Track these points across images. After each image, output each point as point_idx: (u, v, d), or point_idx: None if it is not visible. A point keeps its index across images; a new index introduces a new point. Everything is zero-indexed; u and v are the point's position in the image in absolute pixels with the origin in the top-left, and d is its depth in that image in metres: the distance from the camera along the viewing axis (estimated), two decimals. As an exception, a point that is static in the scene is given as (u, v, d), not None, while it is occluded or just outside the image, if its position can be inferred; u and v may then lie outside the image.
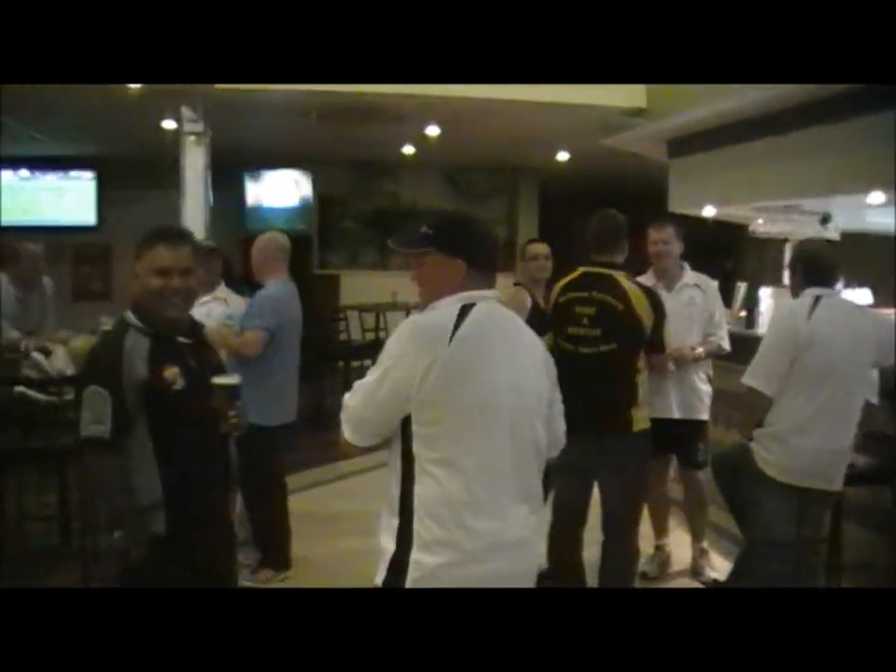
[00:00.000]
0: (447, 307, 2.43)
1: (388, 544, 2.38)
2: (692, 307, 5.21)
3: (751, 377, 3.99)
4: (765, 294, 7.01)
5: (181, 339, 3.05)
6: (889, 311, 6.73)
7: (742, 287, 7.12)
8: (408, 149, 11.00)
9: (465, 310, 2.40)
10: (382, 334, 10.87)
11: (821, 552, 4.33)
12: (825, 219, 7.21)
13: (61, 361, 5.26)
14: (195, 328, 3.20)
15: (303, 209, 13.21)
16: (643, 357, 4.23)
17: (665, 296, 5.00)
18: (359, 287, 12.59)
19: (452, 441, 2.33)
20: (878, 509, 4.61)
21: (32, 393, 5.16)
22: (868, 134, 5.57)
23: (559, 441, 2.70)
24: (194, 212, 6.59)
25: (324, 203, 13.44)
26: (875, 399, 4.14)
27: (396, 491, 2.38)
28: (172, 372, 2.93)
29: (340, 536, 5.43)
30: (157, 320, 2.96)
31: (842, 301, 4.16)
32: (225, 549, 3.27)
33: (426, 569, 2.30)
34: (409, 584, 2.31)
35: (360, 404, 2.43)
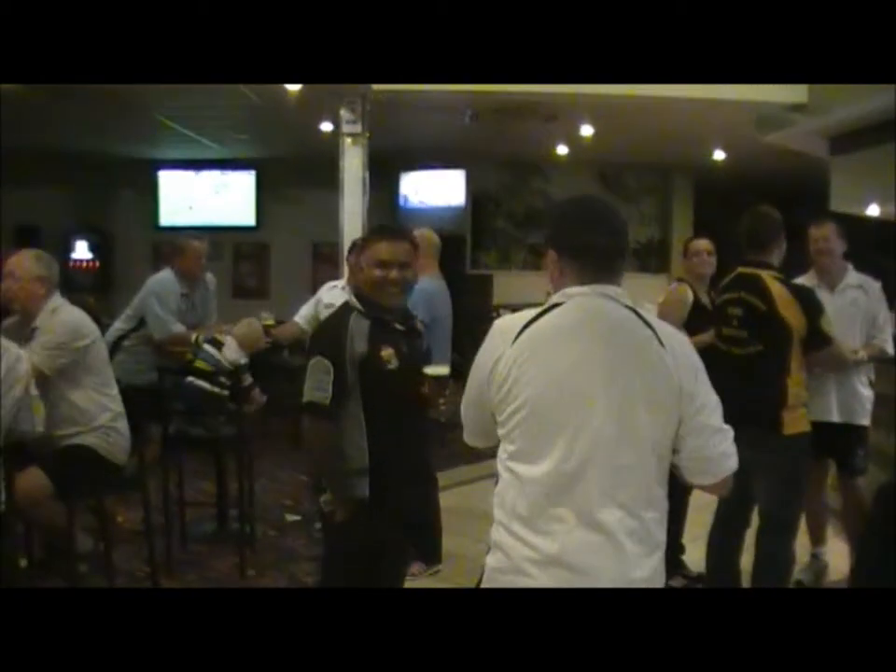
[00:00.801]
0: (536, 308, 2.27)
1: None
2: (854, 308, 5.07)
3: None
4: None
5: (397, 325, 3.37)
6: None
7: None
8: (561, 149, 10.96)
9: (551, 309, 2.24)
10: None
11: None
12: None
13: (232, 352, 5.45)
14: (408, 317, 3.51)
15: (457, 209, 13.32)
16: (798, 359, 4.13)
17: (826, 296, 4.87)
18: (512, 286, 12.61)
19: (512, 444, 2.21)
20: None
21: (202, 383, 5.37)
22: None
23: (705, 461, 2.28)
24: (352, 212, 6.75)
25: (477, 202, 13.52)
26: None
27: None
28: (388, 353, 3.25)
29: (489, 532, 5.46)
30: (376, 306, 3.28)
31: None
32: (421, 525, 3.60)
33: (486, 570, 2.28)
34: (482, 584, 2.30)
35: (462, 404, 2.43)
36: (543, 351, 2.18)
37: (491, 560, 2.26)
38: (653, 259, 13.81)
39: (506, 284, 12.95)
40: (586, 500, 2.12)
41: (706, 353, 4.31)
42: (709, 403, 2.24)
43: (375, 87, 6.30)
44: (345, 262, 6.10)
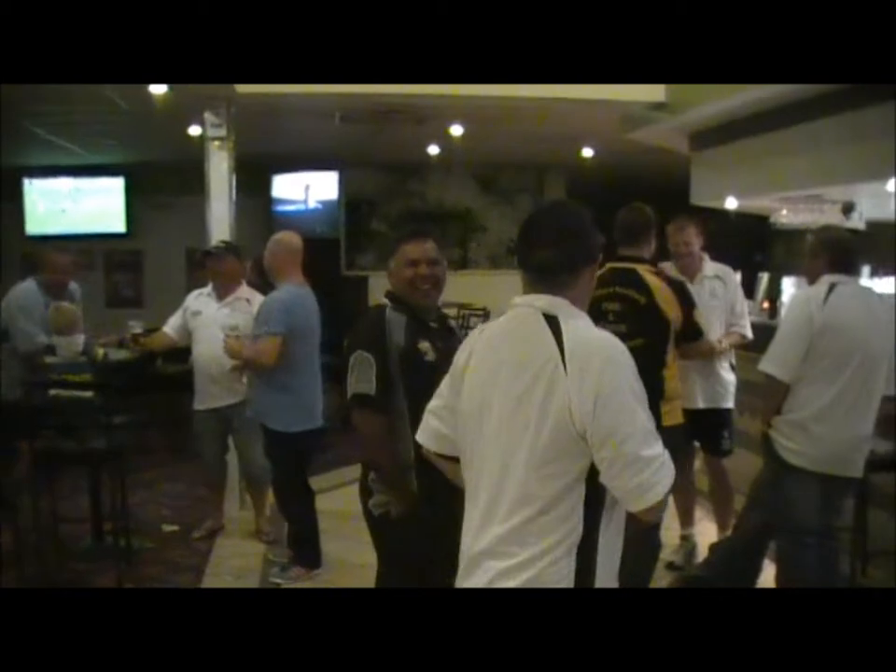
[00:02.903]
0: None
1: None
2: (714, 299, 5.25)
3: (768, 364, 4.01)
4: (788, 284, 7.03)
5: (431, 323, 3.47)
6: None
7: (764, 278, 7.14)
8: (433, 150, 11.04)
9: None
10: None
11: (845, 539, 4.35)
12: (848, 209, 7.22)
13: (64, 345, 5.38)
14: (441, 316, 3.63)
15: (331, 211, 13.29)
16: (672, 351, 4.25)
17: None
18: (388, 287, 12.60)
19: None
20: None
21: (71, 393, 5.25)
22: (887, 122, 5.58)
23: (625, 493, 2.14)
24: (219, 216, 6.68)
25: (351, 204, 13.51)
26: (892, 390, 4.15)
27: None
28: (424, 346, 3.33)
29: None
30: (410, 302, 3.39)
31: (858, 289, 4.16)
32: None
33: None
34: None
35: (438, 410, 2.46)
36: (475, 362, 2.28)
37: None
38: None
39: (382, 285, 12.91)
40: (502, 501, 2.17)
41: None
42: (619, 432, 2.08)
43: (240, 90, 6.25)
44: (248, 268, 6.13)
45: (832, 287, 3.95)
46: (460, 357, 2.33)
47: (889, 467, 4.53)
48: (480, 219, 14.07)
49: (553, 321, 2.16)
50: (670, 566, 5.31)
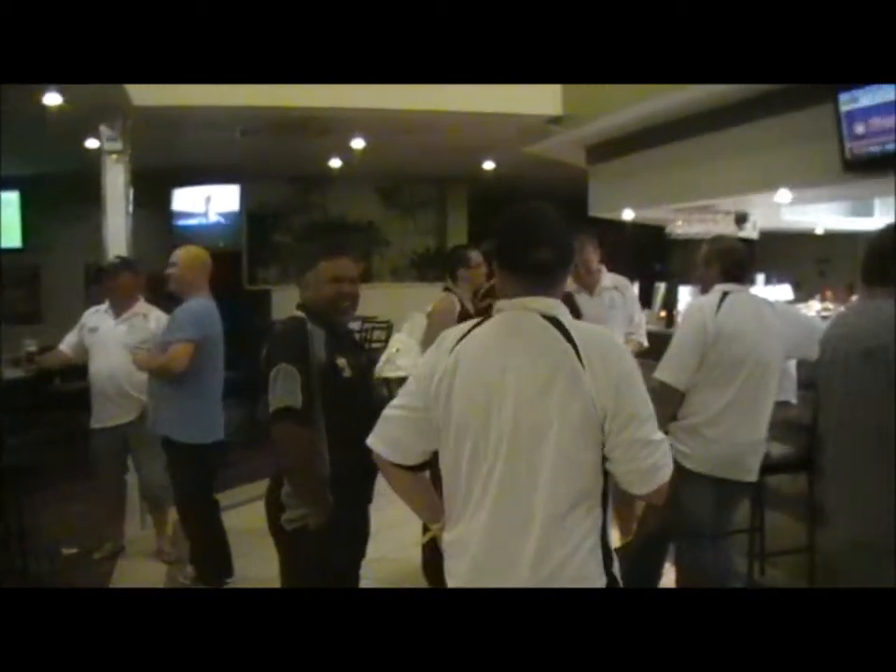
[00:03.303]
0: (471, 321, 2.31)
1: None
2: (613, 309, 5.34)
3: (662, 371, 4.08)
4: (685, 293, 7.19)
5: (346, 338, 3.54)
6: (813, 304, 6.97)
7: (661, 288, 7.28)
8: (335, 162, 11.03)
9: (481, 322, 2.28)
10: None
11: (743, 540, 4.46)
12: (741, 219, 7.42)
13: None
14: (349, 331, 3.68)
15: (232, 224, 13.17)
16: None
17: (586, 299, 5.15)
18: (292, 301, 12.49)
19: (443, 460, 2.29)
20: (799, 497, 4.76)
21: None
22: (774, 135, 5.79)
23: (640, 473, 2.18)
24: (116, 230, 6.57)
25: (253, 217, 13.41)
26: (793, 396, 4.25)
27: None
28: (342, 361, 3.32)
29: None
30: (328, 318, 3.38)
31: (749, 297, 4.26)
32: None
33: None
34: None
35: (397, 417, 2.35)
36: (465, 367, 2.20)
37: None
38: (431, 269, 14.07)
39: (286, 299, 12.84)
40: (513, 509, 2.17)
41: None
42: (638, 416, 2.14)
43: (135, 102, 6.17)
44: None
45: (724, 296, 4.04)
46: (437, 364, 2.24)
47: (785, 469, 4.66)
48: (383, 232, 14.11)
49: (553, 320, 2.20)
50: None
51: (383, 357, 4.94)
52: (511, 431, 2.14)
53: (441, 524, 2.36)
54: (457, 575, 2.28)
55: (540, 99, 7.19)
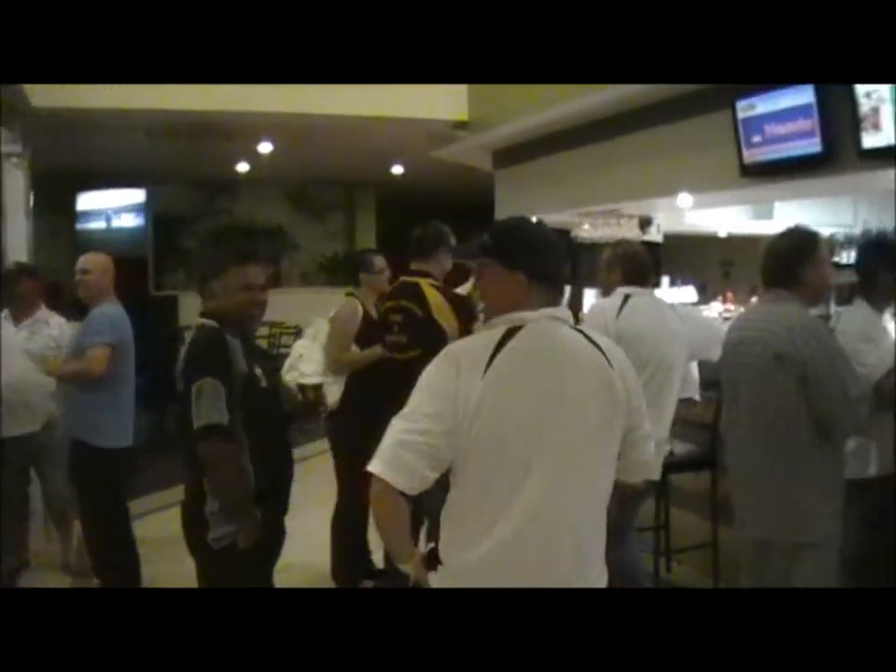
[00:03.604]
0: (490, 331, 2.23)
1: None
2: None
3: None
4: (590, 296, 7.29)
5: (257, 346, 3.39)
6: (714, 306, 7.14)
7: (567, 290, 7.37)
8: (243, 167, 10.95)
9: (509, 335, 2.19)
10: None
11: (648, 537, 4.54)
12: (645, 223, 7.56)
13: None
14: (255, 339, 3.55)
15: (138, 230, 12.97)
16: None
17: None
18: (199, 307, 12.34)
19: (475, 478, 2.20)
20: (702, 494, 4.86)
21: None
22: (675, 141, 5.93)
23: (644, 465, 2.39)
24: (15, 235, 6.43)
25: (160, 222, 13.23)
26: (696, 393, 4.33)
27: None
28: (258, 371, 3.22)
29: (187, 558, 5.36)
30: (241, 326, 3.26)
31: (651, 300, 4.33)
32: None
33: None
34: None
35: (393, 437, 2.22)
36: (510, 380, 2.15)
37: None
38: (341, 273, 14.03)
39: (194, 304, 12.65)
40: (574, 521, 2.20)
41: (380, 363, 4.50)
42: (644, 411, 2.32)
43: (35, 104, 6.05)
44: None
45: (626, 299, 4.11)
46: (464, 384, 2.18)
47: (688, 467, 4.76)
48: (291, 237, 14.04)
49: (576, 329, 2.25)
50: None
51: (287, 363, 4.91)
52: (570, 437, 2.15)
53: (415, 558, 2.30)
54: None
55: (447, 104, 7.26)
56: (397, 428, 2.22)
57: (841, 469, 3.32)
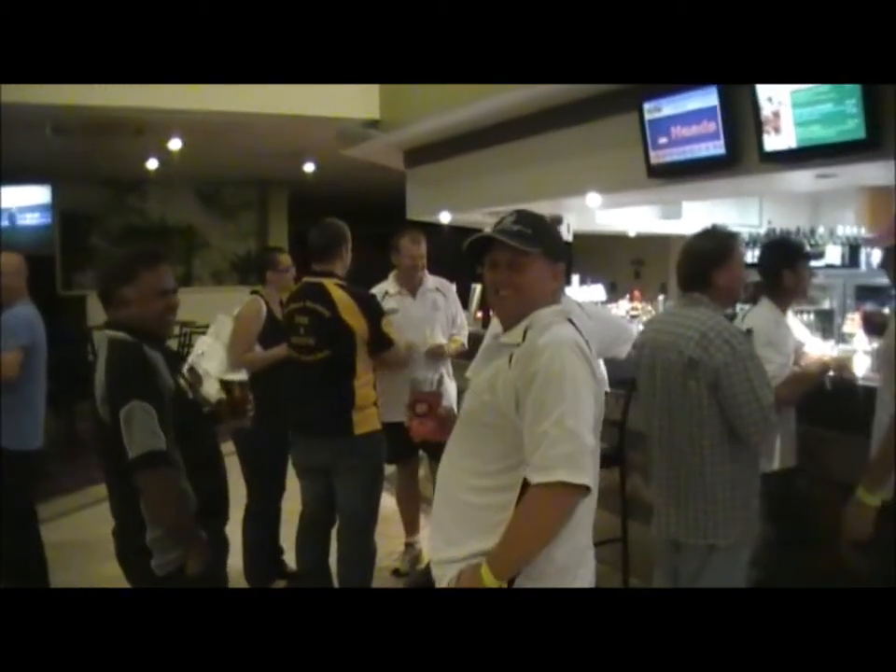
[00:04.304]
0: (563, 323, 2.24)
1: None
2: (436, 311, 5.39)
3: (472, 372, 4.18)
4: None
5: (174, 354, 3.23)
6: (622, 304, 7.25)
7: (478, 289, 7.42)
8: (152, 164, 10.78)
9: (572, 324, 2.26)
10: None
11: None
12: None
13: None
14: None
15: (44, 228, 12.69)
16: (363, 361, 4.30)
17: (409, 302, 5.22)
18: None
19: None
20: (611, 490, 4.95)
21: None
22: (584, 141, 6.02)
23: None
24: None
25: (67, 220, 12.96)
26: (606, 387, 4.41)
27: None
28: (183, 383, 3.05)
29: (98, 561, 5.25)
30: (158, 335, 3.06)
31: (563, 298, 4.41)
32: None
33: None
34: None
35: (585, 445, 2.15)
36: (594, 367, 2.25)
37: None
38: (252, 272, 13.89)
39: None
40: None
41: (285, 364, 4.48)
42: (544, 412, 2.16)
43: (-69, 99, 5.89)
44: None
45: None
46: (595, 363, 2.26)
47: (604, 464, 4.84)
48: (202, 235, 13.88)
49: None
50: (395, 572, 5.43)
51: (189, 360, 4.83)
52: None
53: None
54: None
55: (359, 102, 7.27)
56: (577, 434, 2.14)
57: (756, 471, 3.40)
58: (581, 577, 2.33)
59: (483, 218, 7.74)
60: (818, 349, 4.30)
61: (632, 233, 9.90)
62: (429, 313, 5.31)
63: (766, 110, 4.56)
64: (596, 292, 7.96)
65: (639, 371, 3.55)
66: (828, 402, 4.02)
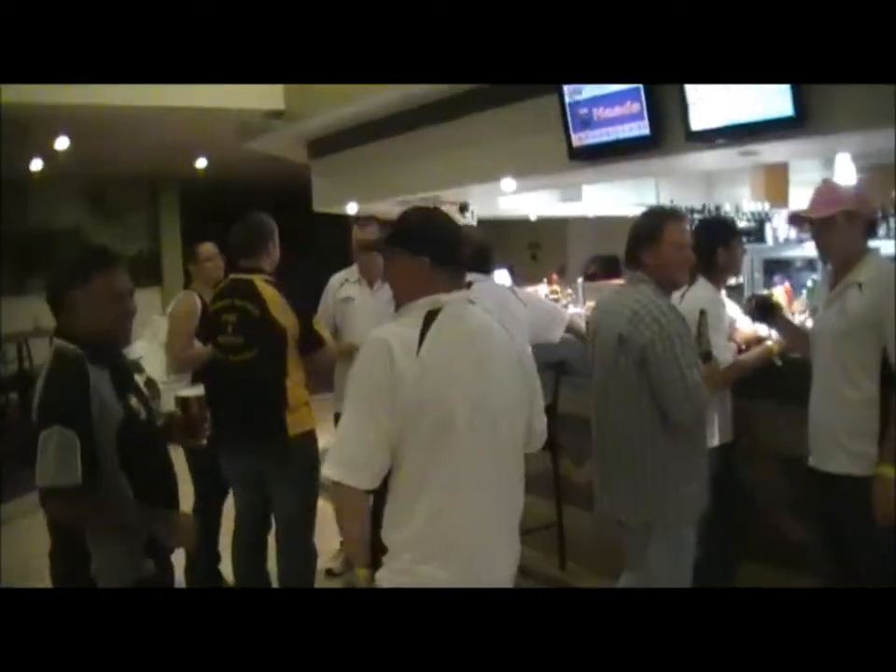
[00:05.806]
0: (410, 316, 2.36)
1: None
2: (391, 306, 5.29)
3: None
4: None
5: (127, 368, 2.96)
6: (541, 288, 7.26)
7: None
8: (36, 164, 10.35)
9: (430, 317, 2.33)
10: (27, 364, 10.23)
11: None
12: (464, 208, 7.65)
13: None
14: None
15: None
16: (294, 360, 4.15)
17: (367, 293, 5.12)
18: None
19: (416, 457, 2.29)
20: (544, 475, 4.94)
21: None
22: (500, 126, 5.98)
23: (541, 434, 2.63)
24: None
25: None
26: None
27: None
28: (135, 402, 2.81)
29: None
30: (110, 350, 2.83)
31: (493, 285, 4.39)
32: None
33: None
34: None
35: (352, 441, 2.31)
36: (443, 366, 2.28)
37: None
38: (144, 273, 13.47)
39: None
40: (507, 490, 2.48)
41: (212, 364, 4.31)
42: (538, 385, 2.60)
43: None
44: None
45: (468, 285, 4.11)
46: (398, 374, 2.25)
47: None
48: (91, 238, 13.41)
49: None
50: (329, 572, 5.34)
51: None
52: (499, 408, 2.36)
53: (367, 566, 2.41)
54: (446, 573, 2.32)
55: (261, 94, 7.09)
56: (342, 427, 2.32)
57: (696, 451, 3.42)
58: None
59: (392, 208, 7.65)
60: (748, 327, 4.33)
61: (533, 217, 9.94)
62: (384, 307, 5.17)
63: (692, 90, 4.57)
64: (502, 277, 7.96)
65: (589, 351, 3.60)
66: (757, 375, 4.05)
